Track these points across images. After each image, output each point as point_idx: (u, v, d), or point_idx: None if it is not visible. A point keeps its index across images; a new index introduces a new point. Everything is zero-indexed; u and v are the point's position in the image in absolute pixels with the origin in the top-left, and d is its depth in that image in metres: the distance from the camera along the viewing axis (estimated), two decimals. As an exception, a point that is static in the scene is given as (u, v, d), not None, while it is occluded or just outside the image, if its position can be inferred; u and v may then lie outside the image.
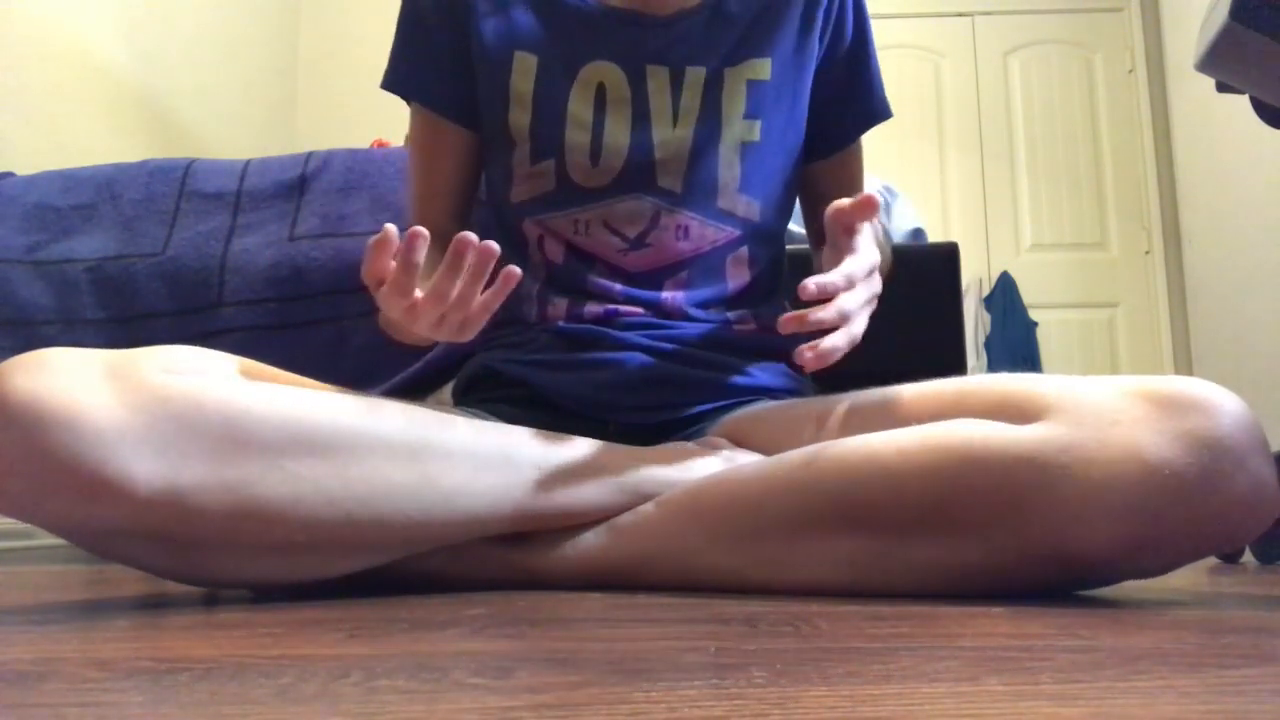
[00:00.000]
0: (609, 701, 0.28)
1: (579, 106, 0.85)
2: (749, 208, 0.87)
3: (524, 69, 0.86)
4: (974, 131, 3.44)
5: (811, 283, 0.62)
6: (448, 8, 0.89)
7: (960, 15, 3.50)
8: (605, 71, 0.86)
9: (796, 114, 0.90)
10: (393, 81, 0.92)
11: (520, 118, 0.86)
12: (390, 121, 2.40)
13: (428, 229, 0.93)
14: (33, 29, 1.85)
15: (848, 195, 0.95)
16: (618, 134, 0.85)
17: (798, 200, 0.99)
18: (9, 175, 1.39)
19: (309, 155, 1.32)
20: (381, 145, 1.65)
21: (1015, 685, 0.30)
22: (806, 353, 0.63)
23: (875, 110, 0.94)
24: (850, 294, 0.64)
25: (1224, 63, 1.11)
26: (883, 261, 0.90)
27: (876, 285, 0.68)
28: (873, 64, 0.94)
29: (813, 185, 0.96)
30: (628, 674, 0.32)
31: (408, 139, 1.58)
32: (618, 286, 0.84)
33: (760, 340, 0.88)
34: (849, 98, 0.93)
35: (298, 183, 1.28)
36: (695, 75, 0.86)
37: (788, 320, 0.63)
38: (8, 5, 1.78)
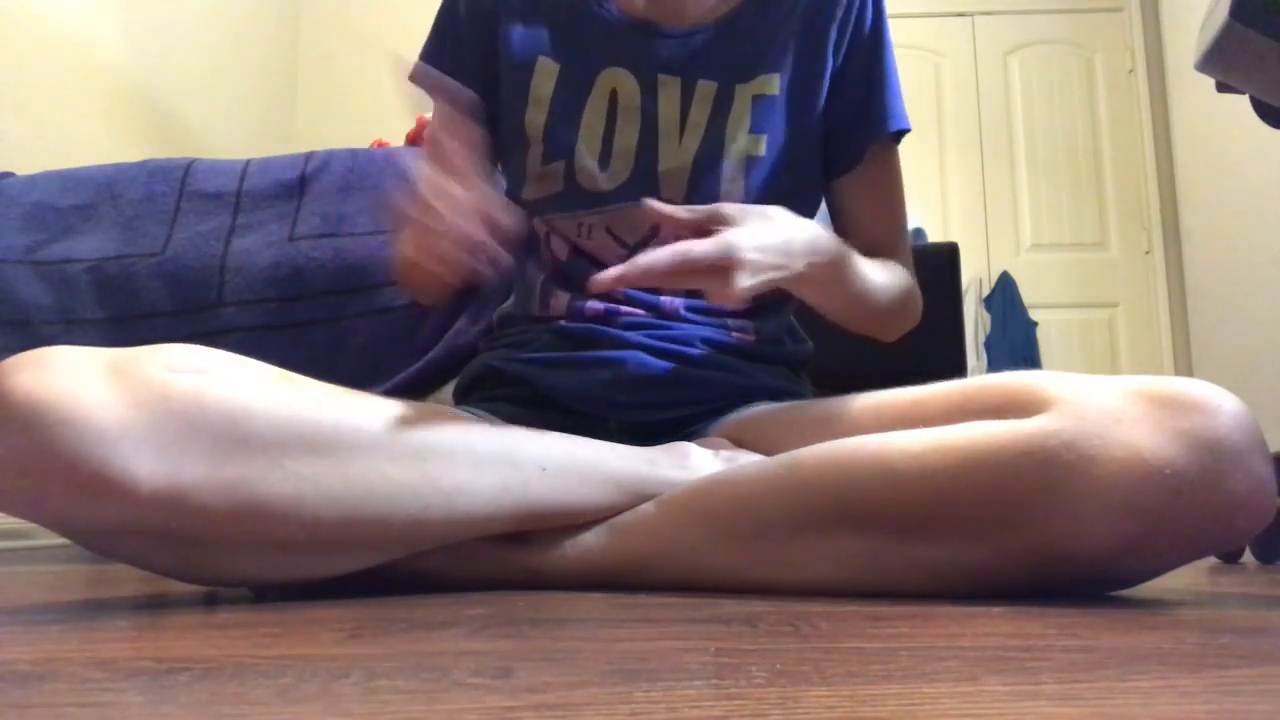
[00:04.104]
0: (609, 701, 0.28)
1: (592, 113, 0.86)
2: None
3: (546, 73, 0.88)
4: (974, 131, 3.43)
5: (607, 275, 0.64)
6: (480, 16, 0.92)
7: (960, 15, 3.50)
8: (619, 78, 0.87)
9: (807, 129, 0.88)
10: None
11: (537, 118, 0.88)
12: (390, 121, 2.41)
13: None
14: (33, 29, 1.85)
15: (880, 217, 0.92)
16: (626, 142, 0.86)
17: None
18: (9, 175, 1.39)
19: (309, 155, 1.32)
20: (381, 145, 1.65)
21: (1015, 685, 0.30)
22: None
23: (887, 121, 0.89)
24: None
25: (1224, 63, 1.11)
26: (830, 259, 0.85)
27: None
28: (889, 76, 0.90)
29: (840, 205, 0.93)
30: (628, 674, 0.32)
31: (408, 139, 1.57)
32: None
33: (759, 350, 0.88)
34: (862, 110, 0.90)
35: (298, 183, 1.28)
36: (706, 89, 0.86)
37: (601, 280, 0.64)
38: (8, 5, 1.78)
